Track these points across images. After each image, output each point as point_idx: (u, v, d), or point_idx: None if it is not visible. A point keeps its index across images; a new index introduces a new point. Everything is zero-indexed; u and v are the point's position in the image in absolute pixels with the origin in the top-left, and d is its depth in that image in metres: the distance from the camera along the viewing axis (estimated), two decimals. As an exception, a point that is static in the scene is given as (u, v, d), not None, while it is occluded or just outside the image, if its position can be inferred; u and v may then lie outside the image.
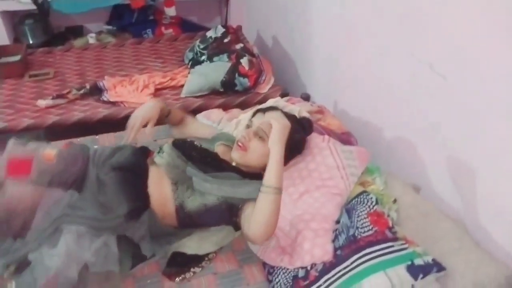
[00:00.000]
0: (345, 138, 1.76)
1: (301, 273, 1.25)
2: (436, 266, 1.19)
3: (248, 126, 1.49)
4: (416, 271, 1.17)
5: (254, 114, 1.53)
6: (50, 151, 1.33)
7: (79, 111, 2.29)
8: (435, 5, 1.43)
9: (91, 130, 2.07)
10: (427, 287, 1.18)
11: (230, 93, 2.43)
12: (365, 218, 1.30)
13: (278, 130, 1.31)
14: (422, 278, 1.16)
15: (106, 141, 1.93)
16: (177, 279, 1.35)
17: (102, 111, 2.29)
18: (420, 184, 1.58)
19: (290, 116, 1.50)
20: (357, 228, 1.27)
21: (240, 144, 1.40)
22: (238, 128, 1.83)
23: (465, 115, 1.38)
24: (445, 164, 1.52)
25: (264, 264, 1.38)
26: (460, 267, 1.21)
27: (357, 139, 1.80)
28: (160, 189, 1.36)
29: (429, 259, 1.21)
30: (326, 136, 1.57)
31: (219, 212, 1.32)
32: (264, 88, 2.47)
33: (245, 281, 1.36)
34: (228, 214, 1.33)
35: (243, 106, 2.20)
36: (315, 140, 1.55)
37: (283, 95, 2.36)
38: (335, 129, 1.81)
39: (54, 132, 2.35)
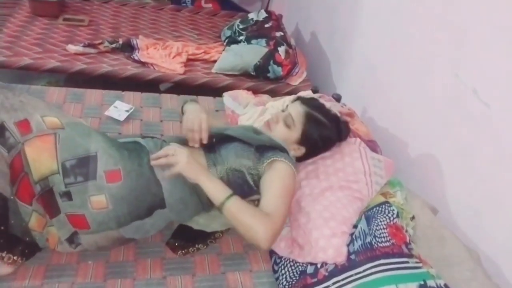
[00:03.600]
0: (371, 146, 1.72)
1: (309, 270, 1.22)
2: (447, 291, 1.16)
3: (283, 110, 1.47)
4: (427, 292, 1.14)
5: (293, 101, 1.49)
6: (99, 198, 1.16)
7: (108, 64, 2.27)
8: (485, 28, 1.39)
9: (113, 85, 2.04)
10: (434, 310, 1.15)
11: (261, 79, 2.39)
12: (384, 228, 1.26)
13: (183, 171, 1.21)
14: (432, 300, 1.13)
15: (131, 99, 1.90)
16: (180, 252, 1.32)
17: (130, 69, 2.26)
18: (437, 207, 1.55)
19: (332, 115, 1.48)
20: (375, 236, 1.24)
21: (267, 123, 1.44)
22: (263, 115, 1.80)
23: (500, 147, 1.34)
24: (468, 192, 1.49)
25: (271, 253, 1.35)
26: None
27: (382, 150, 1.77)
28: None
29: (441, 283, 1.18)
30: (358, 140, 1.53)
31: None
32: (295, 81, 2.43)
33: (249, 266, 1.33)
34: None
35: (271, 94, 2.16)
36: (348, 140, 1.52)
37: (313, 91, 2.32)
38: (362, 135, 1.77)
39: (76, 80, 2.34)
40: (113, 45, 2.37)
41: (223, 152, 1.35)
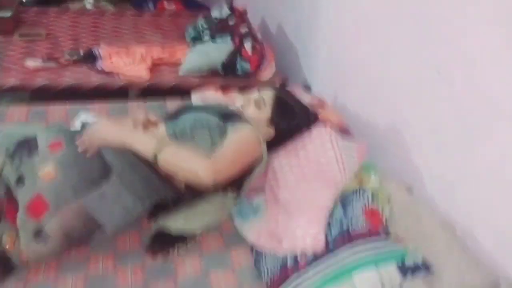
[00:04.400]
0: (344, 133, 1.73)
1: (290, 260, 1.22)
2: (425, 267, 1.19)
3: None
4: (406, 270, 1.16)
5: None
6: (46, 169, 1.19)
7: (71, 78, 2.21)
8: (446, 9, 1.41)
9: (81, 97, 2.00)
10: (414, 287, 1.17)
11: (230, 76, 2.38)
12: (360, 213, 1.28)
13: (96, 131, 1.25)
14: (411, 277, 1.15)
15: (97, 110, 1.86)
16: (160, 256, 1.31)
17: (95, 80, 2.22)
18: (413, 184, 1.57)
19: (301, 102, 1.54)
20: (352, 222, 1.25)
21: (242, 104, 1.50)
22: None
23: (467, 122, 1.37)
24: (440, 168, 1.51)
25: (252, 249, 1.35)
26: (448, 269, 1.21)
27: (355, 135, 1.78)
28: None
29: (419, 259, 1.20)
30: (329, 129, 1.54)
31: None
32: (265, 75, 2.43)
33: (231, 265, 1.33)
34: None
35: (243, 90, 2.15)
36: (318, 130, 1.52)
37: (283, 83, 2.33)
38: (334, 123, 1.78)
39: (41, 96, 2.28)
40: (74, 57, 2.32)
41: (184, 119, 1.38)
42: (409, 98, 1.65)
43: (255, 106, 1.48)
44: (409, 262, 1.17)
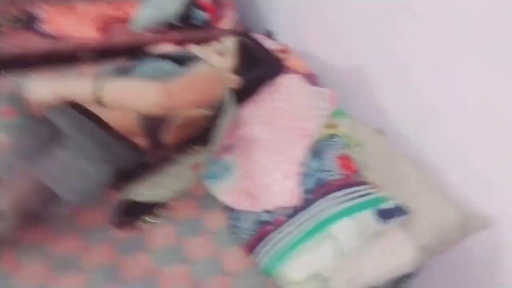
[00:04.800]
0: (311, 80, 1.65)
1: (267, 217, 1.18)
2: (401, 210, 1.17)
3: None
4: (382, 215, 1.13)
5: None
6: None
7: (15, 45, 2.01)
8: None
9: (25, 65, 1.82)
10: (392, 231, 1.16)
11: (188, 28, 2.22)
12: (334, 161, 1.23)
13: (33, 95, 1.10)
14: (388, 222, 1.13)
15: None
16: (127, 228, 1.23)
17: (43, 46, 2.03)
18: (384, 128, 1.53)
19: (265, 48, 1.48)
20: (326, 171, 1.20)
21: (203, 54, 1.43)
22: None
23: (434, 57, 1.31)
24: (410, 108, 1.47)
25: (226, 210, 1.29)
26: (422, 209, 1.19)
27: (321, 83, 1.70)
28: None
29: (394, 203, 1.18)
30: (295, 75, 1.45)
31: None
32: (225, 24, 2.28)
33: (207, 228, 1.27)
34: None
35: (203, 42, 2.01)
36: (285, 79, 1.44)
37: (245, 31, 2.19)
38: (299, 70, 1.69)
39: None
40: (16, 24, 2.10)
41: (139, 68, 1.33)
42: (374, 36, 1.57)
43: (217, 54, 1.41)
44: (384, 207, 1.14)
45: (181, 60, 1.35)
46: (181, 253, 1.20)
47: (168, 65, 1.32)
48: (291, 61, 1.73)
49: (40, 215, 1.16)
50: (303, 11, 2.03)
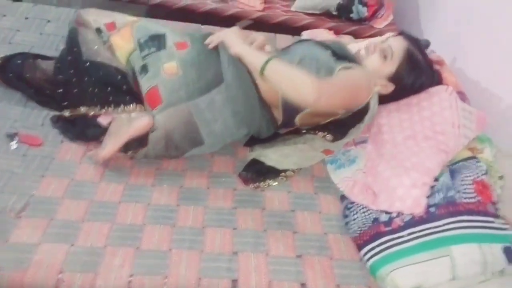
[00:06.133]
0: (460, 98, 1.57)
1: (383, 218, 1.17)
2: (533, 257, 1.07)
3: (382, 41, 1.39)
4: None
5: (395, 36, 1.42)
6: (171, 63, 1.30)
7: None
8: None
9: (189, 20, 2.01)
10: (515, 275, 1.07)
11: (343, 19, 2.25)
12: (470, 184, 1.17)
13: (224, 36, 1.32)
14: (516, 264, 1.05)
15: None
16: (251, 185, 1.33)
17: (210, 4, 2.22)
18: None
19: (429, 59, 1.40)
20: (459, 191, 1.15)
21: (363, 51, 1.37)
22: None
23: None
24: None
25: (342, 198, 1.31)
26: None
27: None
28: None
29: (527, 247, 1.08)
30: (450, 88, 1.39)
31: None
32: (380, 23, 2.26)
33: (318, 207, 1.31)
34: None
35: (353, 36, 2.02)
36: (438, 88, 1.39)
37: (411, 35, 2.14)
38: (450, 85, 1.61)
39: (156, 14, 2.34)
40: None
41: (294, 49, 1.37)
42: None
43: (379, 54, 1.33)
44: (516, 247, 1.06)
45: (339, 54, 1.33)
46: (291, 222, 1.26)
47: (323, 53, 1.32)
48: (444, 74, 1.66)
49: (179, 148, 1.30)
50: (467, 29, 1.92)
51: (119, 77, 1.32)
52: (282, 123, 1.38)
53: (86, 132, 1.34)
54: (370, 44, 1.36)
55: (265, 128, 1.35)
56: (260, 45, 1.36)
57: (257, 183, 1.34)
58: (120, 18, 1.44)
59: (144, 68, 1.32)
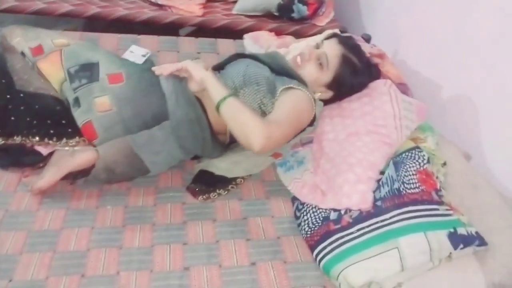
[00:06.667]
0: (402, 89, 1.60)
1: (332, 216, 1.17)
2: (478, 239, 1.11)
3: (317, 46, 1.36)
4: (457, 240, 1.08)
5: (328, 37, 1.39)
6: (103, 98, 1.20)
7: (124, 8, 2.18)
8: None
9: (131, 31, 1.97)
10: (464, 258, 1.10)
11: (284, 19, 2.26)
12: (413, 174, 1.19)
13: (188, 65, 1.24)
14: (462, 248, 1.08)
15: (148, 43, 1.82)
16: (200, 197, 1.30)
17: (147, 12, 2.17)
18: (471, 153, 1.46)
19: (366, 58, 1.40)
20: (403, 183, 1.17)
21: (298, 59, 1.33)
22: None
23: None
24: (505, 138, 1.38)
25: (294, 200, 1.31)
26: (503, 245, 1.12)
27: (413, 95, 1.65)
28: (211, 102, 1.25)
29: (472, 230, 1.12)
30: (389, 81, 1.42)
31: None
32: (322, 21, 2.29)
33: (270, 212, 1.30)
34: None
35: (296, 35, 2.03)
36: (377, 82, 1.41)
37: (341, 31, 2.17)
38: (392, 78, 1.65)
39: (94, 26, 2.28)
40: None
41: (234, 77, 1.28)
42: (480, 59, 1.49)
43: (315, 63, 1.31)
44: (462, 232, 1.09)
45: (276, 70, 1.31)
46: (244, 230, 1.24)
47: (264, 71, 1.30)
48: (384, 68, 1.70)
49: (124, 177, 1.27)
50: (407, 21, 1.98)
51: (58, 107, 1.23)
52: (230, 142, 1.36)
53: (22, 159, 1.26)
54: (304, 52, 1.34)
55: (212, 151, 1.32)
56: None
57: (206, 195, 1.31)
58: (47, 39, 1.31)
59: (77, 101, 1.22)
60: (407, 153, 1.27)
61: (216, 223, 1.25)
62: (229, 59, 1.42)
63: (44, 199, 1.22)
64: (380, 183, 1.20)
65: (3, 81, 1.24)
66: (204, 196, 1.30)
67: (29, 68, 1.26)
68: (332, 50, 1.32)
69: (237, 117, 1.12)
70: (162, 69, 1.28)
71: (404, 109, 1.36)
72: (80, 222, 1.18)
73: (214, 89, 1.17)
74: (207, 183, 1.32)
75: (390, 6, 2.13)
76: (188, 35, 2.29)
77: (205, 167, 1.34)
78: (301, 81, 1.29)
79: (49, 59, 1.26)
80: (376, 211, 1.13)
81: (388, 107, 1.34)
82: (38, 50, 1.27)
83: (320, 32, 2.22)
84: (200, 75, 1.20)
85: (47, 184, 1.19)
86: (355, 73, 1.34)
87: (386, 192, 1.16)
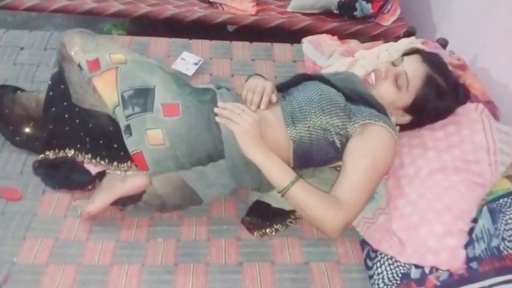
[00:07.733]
0: (490, 110, 1.37)
1: (414, 273, 1.00)
2: None
3: (395, 63, 1.18)
4: None
5: (409, 53, 1.21)
6: (156, 131, 1.10)
7: (174, 6, 2.06)
8: None
9: (180, 29, 1.85)
10: None
11: (345, 18, 2.05)
12: (515, 227, 0.99)
13: (239, 138, 1.06)
14: None
15: (200, 48, 1.69)
16: (256, 233, 1.18)
17: (198, 11, 2.03)
18: None
19: (454, 79, 1.19)
20: (504, 239, 0.96)
21: (372, 76, 1.18)
22: (353, 68, 1.51)
23: None
24: None
25: (363, 244, 1.15)
26: None
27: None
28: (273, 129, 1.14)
29: None
30: (481, 105, 1.21)
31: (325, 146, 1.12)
32: (387, 20, 2.06)
33: (337, 257, 1.15)
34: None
35: (358, 36, 1.84)
36: (466, 107, 1.21)
37: (409, 33, 1.95)
38: (477, 95, 1.42)
39: (141, 24, 2.18)
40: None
41: (305, 105, 1.14)
42: None
43: (393, 83, 1.14)
44: None
45: (352, 97, 1.16)
46: (306, 276, 1.10)
47: (333, 96, 1.15)
48: (467, 81, 1.47)
49: (177, 207, 1.20)
50: (490, 21, 1.72)
51: (111, 128, 1.14)
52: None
53: (71, 177, 1.20)
54: (380, 68, 1.17)
55: (270, 187, 1.17)
56: (268, 94, 1.16)
57: (263, 230, 1.18)
58: (105, 53, 1.19)
59: (128, 129, 1.12)
60: (505, 199, 1.06)
61: (275, 267, 1.12)
62: (294, 81, 1.27)
63: (93, 227, 1.16)
64: (474, 236, 1.01)
65: (62, 86, 1.18)
66: (260, 232, 1.18)
67: (85, 82, 1.18)
68: (415, 70, 1.14)
69: (307, 207, 1.03)
70: (223, 115, 1.11)
71: (500, 141, 1.14)
72: (130, 257, 1.11)
73: (273, 174, 1.06)
74: (263, 216, 1.20)
75: (469, 3, 1.87)
76: (237, 31, 2.14)
77: (261, 198, 1.22)
78: (381, 110, 1.12)
79: (104, 77, 1.16)
80: (472, 275, 0.94)
81: (481, 138, 1.14)
82: (95, 65, 1.17)
83: (385, 32, 2.03)
84: (257, 160, 1.06)
85: (97, 209, 1.14)
86: (441, 97, 1.15)
87: (482, 251, 0.97)
